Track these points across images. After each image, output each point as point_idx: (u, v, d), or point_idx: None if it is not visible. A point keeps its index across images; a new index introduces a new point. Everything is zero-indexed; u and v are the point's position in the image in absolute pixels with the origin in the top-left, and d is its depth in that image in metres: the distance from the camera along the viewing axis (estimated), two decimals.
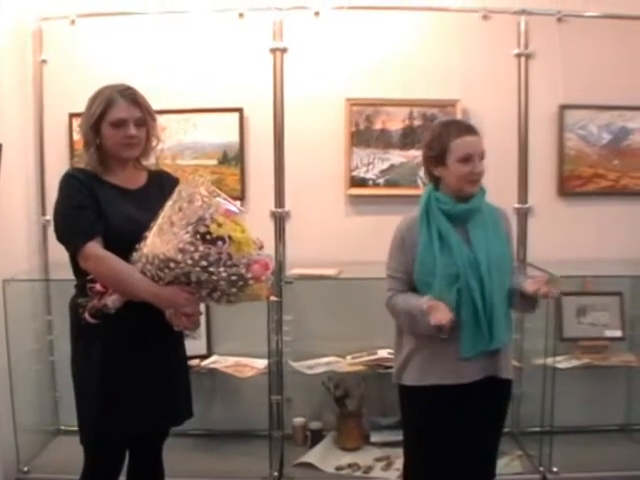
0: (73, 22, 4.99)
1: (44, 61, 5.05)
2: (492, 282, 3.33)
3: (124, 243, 2.99)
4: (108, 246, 3.06)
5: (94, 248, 3.03)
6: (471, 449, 3.42)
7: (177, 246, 2.82)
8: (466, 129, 3.43)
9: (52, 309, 5.12)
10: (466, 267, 3.31)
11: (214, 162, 5.09)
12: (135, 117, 3.20)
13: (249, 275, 2.87)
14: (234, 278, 2.85)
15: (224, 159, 5.09)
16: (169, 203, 2.99)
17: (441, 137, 3.41)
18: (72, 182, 3.14)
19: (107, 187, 3.18)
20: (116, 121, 3.16)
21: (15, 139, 4.84)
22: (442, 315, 3.15)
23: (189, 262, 2.82)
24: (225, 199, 3.00)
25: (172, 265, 2.84)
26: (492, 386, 3.41)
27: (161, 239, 2.89)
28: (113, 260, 3.02)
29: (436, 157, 3.42)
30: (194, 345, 4.61)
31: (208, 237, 2.82)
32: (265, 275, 2.96)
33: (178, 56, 5.03)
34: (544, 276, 3.51)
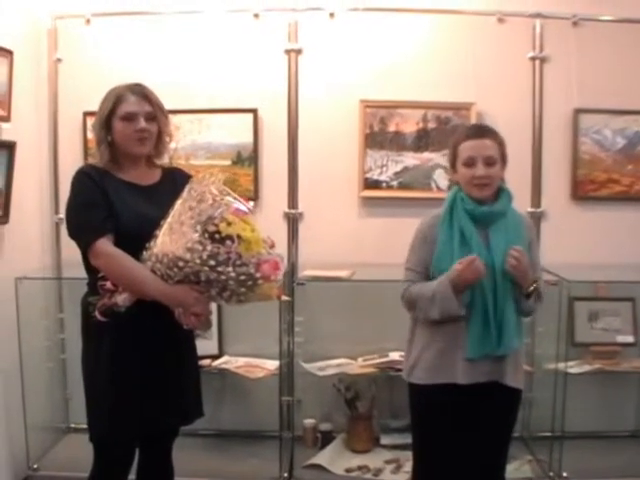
0: (88, 21, 5.01)
1: (59, 60, 5.07)
2: (505, 287, 3.33)
3: (135, 240, 3.00)
4: (119, 243, 3.07)
5: (105, 245, 3.04)
6: (479, 452, 3.42)
7: (186, 245, 2.82)
8: (473, 133, 3.46)
9: (64, 307, 5.14)
10: None
11: (228, 162, 5.09)
12: (145, 111, 3.22)
13: (258, 275, 2.87)
14: (243, 278, 2.85)
15: (238, 159, 5.10)
16: (179, 201, 3.00)
17: (453, 142, 3.48)
18: (84, 179, 3.16)
19: (119, 184, 3.19)
20: (126, 115, 3.19)
21: (29, 137, 4.86)
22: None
23: (197, 261, 2.82)
24: (235, 198, 3.00)
25: (181, 264, 2.85)
26: (499, 391, 3.40)
27: (171, 238, 2.89)
28: (123, 258, 3.03)
29: (451, 162, 3.47)
30: (205, 345, 4.61)
31: (217, 236, 2.82)
32: (275, 275, 2.96)
33: (193, 56, 5.04)
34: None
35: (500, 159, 3.41)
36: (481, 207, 3.40)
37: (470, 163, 3.35)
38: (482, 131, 3.49)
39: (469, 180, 3.37)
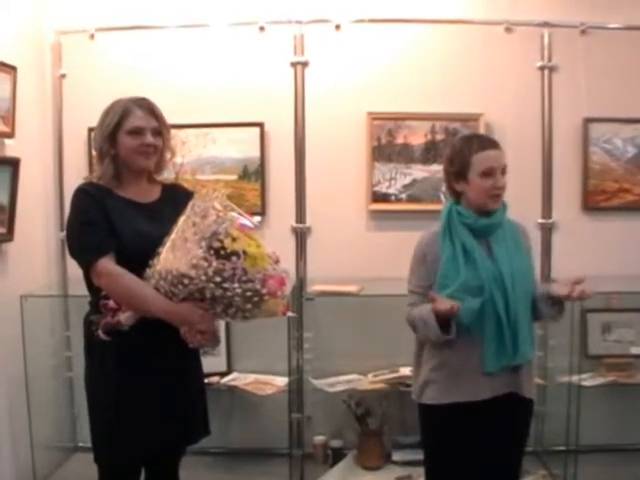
0: (92, 36, 5.00)
1: (63, 75, 5.06)
2: (516, 295, 3.29)
3: (137, 258, 2.94)
4: (121, 262, 3.02)
5: (106, 264, 3.00)
6: (492, 468, 3.37)
7: (190, 262, 2.77)
8: (488, 143, 3.40)
9: (70, 325, 5.10)
10: (490, 280, 3.27)
11: (234, 177, 5.05)
12: (152, 126, 3.18)
13: (264, 290, 2.81)
14: (249, 294, 2.79)
15: (244, 174, 5.06)
16: (183, 218, 2.94)
17: (462, 152, 3.38)
18: (84, 197, 3.12)
19: (119, 201, 3.15)
20: (133, 129, 3.15)
21: (34, 153, 4.84)
22: (441, 303, 3.13)
23: (203, 278, 2.76)
24: (240, 213, 2.95)
25: (186, 281, 2.79)
26: (513, 404, 3.35)
27: (174, 255, 2.84)
28: (126, 276, 2.98)
29: (457, 172, 3.39)
30: (214, 362, 4.58)
31: (222, 252, 2.77)
32: (281, 290, 2.90)
33: (198, 70, 5.03)
34: (575, 278, 3.39)
35: None
36: (480, 219, 3.35)
37: (489, 173, 3.29)
38: (493, 141, 3.45)
39: (487, 190, 3.31)
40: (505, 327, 3.26)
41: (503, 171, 3.32)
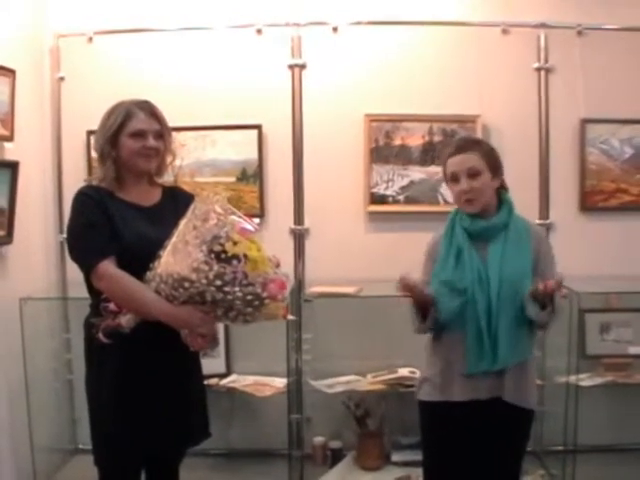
0: (91, 39, 5.01)
1: (61, 78, 5.07)
2: (501, 300, 3.27)
3: (138, 261, 2.94)
4: (122, 265, 3.02)
5: (107, 267, 3.00)
6: (489, 470, 3.37)
7: (191, 265, 2.77)
8: (454, 149, 3.41)
9: (70, 327, 5.09)
10: (474, 282, 3.28)
11: (233, 179, 5.06)
12: (154, 129, 3.19)
13: (265, 294, 2.81)
14: (250, 297, 2.79)
15: (243, 176, 5.07)
16: (183, 221, 2.93)
17: (442, 161, 3.49)
18: (85, 200, 3.12)
19: (121, 204, 3.15)
20: (136, 132, 3.15)
21: (33, 156, 4.84)
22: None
23: (204, 281, 2.76)
24: (240, 217, 2.95)
25: (186, 285, 2.79)
26: (502, 408, 3.32)
27: (175, 258, 2.84)
28: (127, 279, 2.98)
29: (445, 180, 3.48)
30: (213, 364, 4.59)
31: (223, 256, 2.77)
32: (281, 294, 2.90)
33: (196, 73, 5.03)
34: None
35: (487, 169, 3.33)
36: (478, 223, 3.36)
37: (455, 178, 3.33)
38: (463, 145, 3.42)
39: (457, 195, 3.36)
40: (484, 332, 3.26)
41: (470, 174, 3.30)
